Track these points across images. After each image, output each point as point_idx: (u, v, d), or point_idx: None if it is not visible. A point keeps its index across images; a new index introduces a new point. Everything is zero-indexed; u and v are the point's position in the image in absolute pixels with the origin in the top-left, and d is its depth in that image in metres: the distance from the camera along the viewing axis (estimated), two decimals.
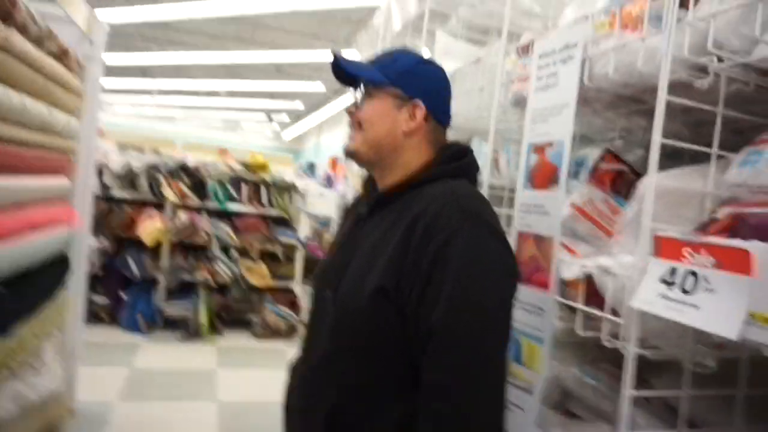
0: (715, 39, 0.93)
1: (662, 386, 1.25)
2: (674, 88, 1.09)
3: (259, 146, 20.13)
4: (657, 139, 0.98)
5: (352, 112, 1.15)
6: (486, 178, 1.61)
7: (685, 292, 0.89)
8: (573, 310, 1.20)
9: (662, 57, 0.98)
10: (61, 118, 2.32)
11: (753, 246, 0.79)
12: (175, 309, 4.52)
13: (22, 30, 1.73)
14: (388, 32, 2.80)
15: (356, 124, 1.14)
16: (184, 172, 4.76)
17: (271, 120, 17.53)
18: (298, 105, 16.53)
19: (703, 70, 1.00)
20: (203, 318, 4.55)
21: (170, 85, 15.01)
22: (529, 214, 1.33)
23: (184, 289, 4.67)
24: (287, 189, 5.02)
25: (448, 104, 1.18)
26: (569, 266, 1.20)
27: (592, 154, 1.55)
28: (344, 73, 1.16)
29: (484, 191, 1.61)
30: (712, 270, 0.85)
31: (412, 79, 1.13)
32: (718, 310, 0.82)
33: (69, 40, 2.34)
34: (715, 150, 1.04)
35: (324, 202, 5.82)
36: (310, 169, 14.59)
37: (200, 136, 19.26)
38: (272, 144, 22.09)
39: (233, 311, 4.88)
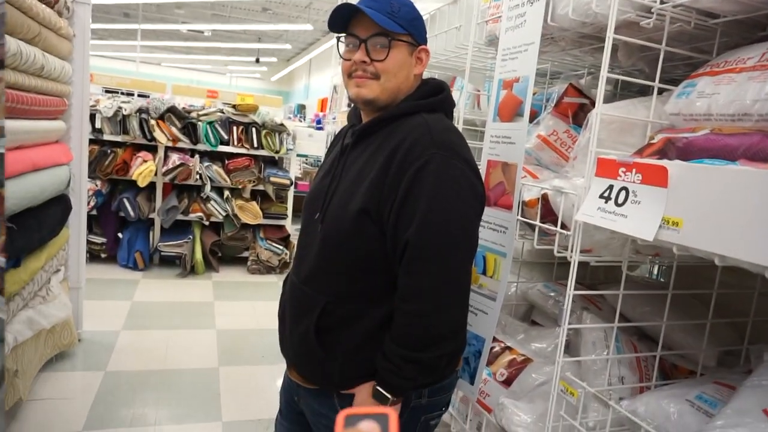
0: None
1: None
2: (628, 27, 1.21)
3: (247, 88, 19.81)
4: (603, 73, 1.11)
5: (366, 61, 1.17)
6: (461, 115, 1.73)
7: (617, 204, 1.05)
8: (533, 227, 1.36)
9: None
10: (56, 62, 2.38)
11: (670, 163, 0.94)
12: (171, 247, 4.69)
13: None
14: None
15: (370, 73, 1.17)
16: (174, 114, 4.80)
17: (258, 61, 17.18)
18: (286, 46, 16.20)
19: (648, 10, 1.12)
20: (198, 255, 4.73)
21: (154, 28, 14.63)
22: (498, 144, 1.46)
23: (179, 228, 4.83)
24: (277, 130, 5.08)
25: None
26: (529, 189, 1.36)
27: (561, 88, 1.67)
28: (343, 21, 1.19)
29: (461, 127, 1.74)
30: (638, 185, 1.00)
31: (419, 25, 1.22)
32: (641, 218, 0.98)
33: None
34: (656, 83, 1.17)
35: (313, 142, 5.91)
36: (300, 111, 14.48)
37: (188, 78, 18.90)
38: (260, 86, 21.72)
39: (227, 248, 5.06)
